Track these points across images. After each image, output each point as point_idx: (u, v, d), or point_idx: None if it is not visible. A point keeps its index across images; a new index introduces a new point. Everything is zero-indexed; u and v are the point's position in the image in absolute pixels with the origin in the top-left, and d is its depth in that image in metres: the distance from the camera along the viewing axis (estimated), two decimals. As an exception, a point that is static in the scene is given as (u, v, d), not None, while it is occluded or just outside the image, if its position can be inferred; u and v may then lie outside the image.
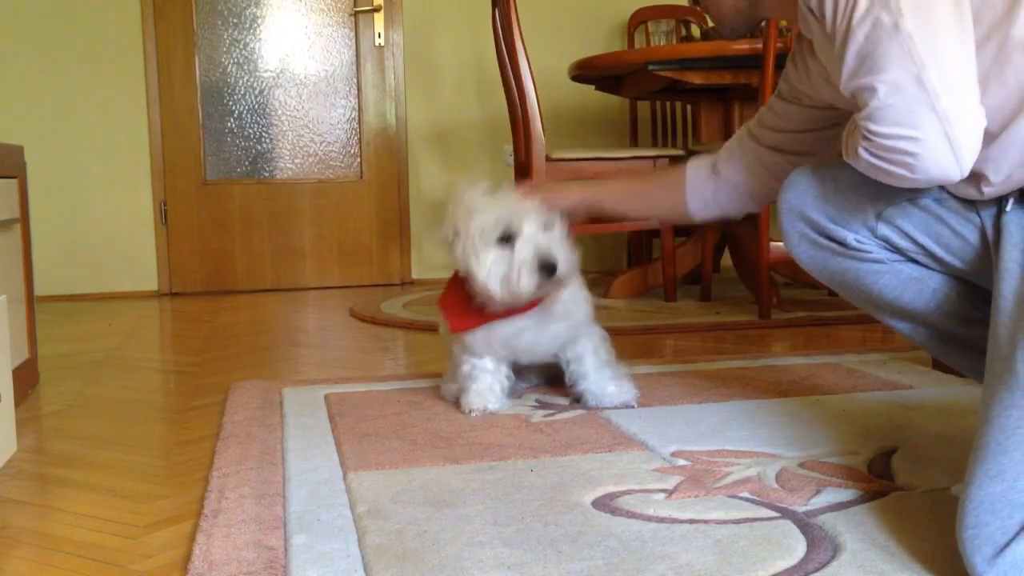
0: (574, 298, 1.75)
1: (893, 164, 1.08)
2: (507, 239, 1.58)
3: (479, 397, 1.78)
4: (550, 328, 1.74)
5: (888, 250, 1.33)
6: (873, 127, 1.08)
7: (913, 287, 1.34)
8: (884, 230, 1.31)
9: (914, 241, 1.30)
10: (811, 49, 1.34)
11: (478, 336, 1.74)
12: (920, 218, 1.28)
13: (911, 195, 1.27)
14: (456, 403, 1.82)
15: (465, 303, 1.70)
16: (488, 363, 1.79)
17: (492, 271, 1.58)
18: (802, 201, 1.36)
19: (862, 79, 1.09)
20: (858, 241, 1.33)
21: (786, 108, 1.49)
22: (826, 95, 1.38)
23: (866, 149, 1.10)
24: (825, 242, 1.36)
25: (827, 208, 1.34)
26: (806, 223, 1.37)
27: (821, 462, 1.44)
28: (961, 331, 1.35)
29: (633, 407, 1.76)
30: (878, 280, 1.35)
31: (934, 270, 1.33)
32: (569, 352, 1.79)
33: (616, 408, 1.76)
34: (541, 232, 1.59)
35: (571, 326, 1.76)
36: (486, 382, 1.78)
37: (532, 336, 1.74)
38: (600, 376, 1.77)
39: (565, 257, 1.60)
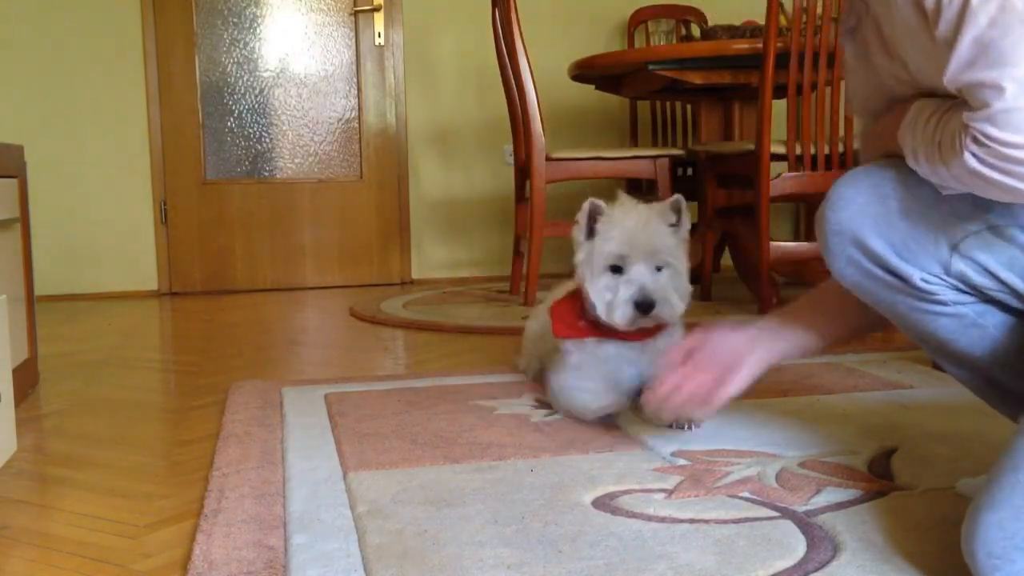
0: (672, 333, 1.76)
1: (1012, 177, 0.92)
2: (617, 270, 1.67)
3: (594, 396, 1.70)
4: (645, 365, 1.73)
5: (957, 291, 1.12)
6: (995, 132, 0.91)
7: (973, 333, 1.15)
8: (960, 265, 1.09)
9: (996, 278, 1.09)
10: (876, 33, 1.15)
11: (582, 347, 1.75)
12: (1005, 251, 1.07)
13: (993, 222, 1.07)
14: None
15: (575, 315, 1.76)
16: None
17: (600, 294, 1.67)
18: (859, 225, 1.12)
19: (981, 73, 0.91)
20: (925, 281, 1.11)
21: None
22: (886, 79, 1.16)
23: (976, 155, 0.93)
24: (882, 275, 1.14)
25: (891, 236, 1.11)
26: (862, 252, 1.13)
27: (821, 462, 1.44)
28: (1013, 383, 1.19)
29: (683, 428, 1.65)
30: (935, 320, 1.15)
31: (1010, 310, 1.14)
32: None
33: (672, 423, 1.66)
34: (649, 272, 1.66)
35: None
36: (603, 384, 1.73)
37: (629, 366, 1.74)
38: None
39: (666, 298, 1.65)
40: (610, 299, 1.66)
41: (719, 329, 1.44)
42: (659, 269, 1.68)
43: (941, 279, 1.11)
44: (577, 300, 1.77)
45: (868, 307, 1.25)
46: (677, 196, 1.74)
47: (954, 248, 1.09)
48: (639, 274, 1.65)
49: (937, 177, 1.03)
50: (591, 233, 1.71)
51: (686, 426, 1.63)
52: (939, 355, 1.23)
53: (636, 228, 1.67)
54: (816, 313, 1.40)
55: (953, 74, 0.94)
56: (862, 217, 1.12)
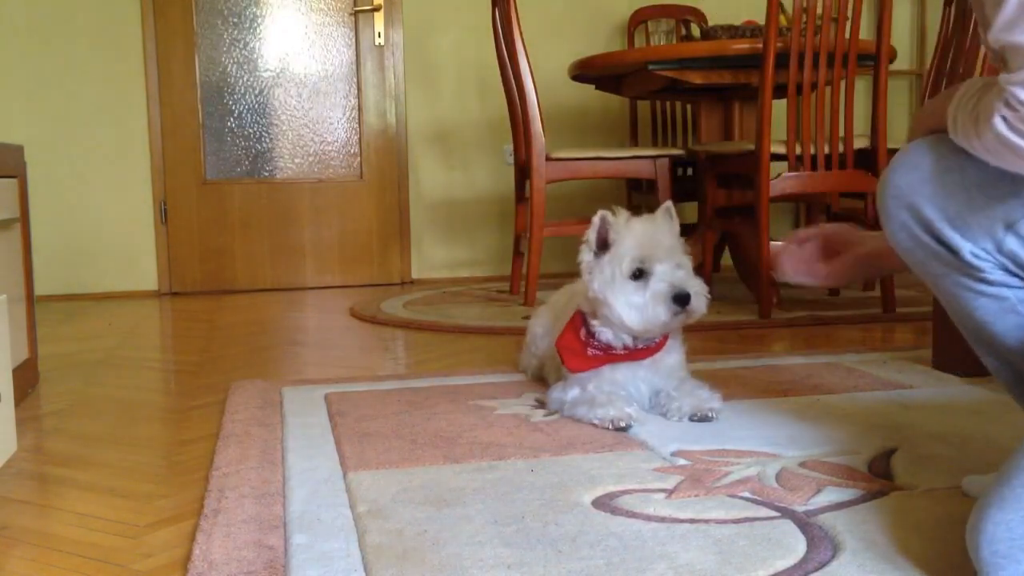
0: (675, 348, 1.81)
1: None
2: (641, 274, 1.67)
3: (619, 409, 1.70)
4: (659, 381, 1.78)
5: (1005, 271, 1.11)
6: None
7: (1010, 320, 1.14)
8: (1012, 244, 1.08)
9: None
10: None
11: (594, 376, 1.75)
12: None
13: None
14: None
15: (582, 345, 1.76)
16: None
17: (629, 301, 1.66)
18: (916, 192, 1.12)
19: (1021, 35, 0.91)
20: (974, 255, 1.10)
21: None
22: None
23: (1006, 120, 0.93)
24: (932, 244, 1.13)
25: (947, 207, 1.10)
26: (915, 219, 1.13)
27: (821, 462, 1.44)
28: None
29: (709, 418, 1.69)
30: (976, 299, 1.15)
31: None
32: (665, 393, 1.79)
33: (694, 415, 1.70)
34: (673, 269, 1.68)
35: (673, 378, 1.80)
36: (620, 396, 1.74)
37: (643, 384, 1.78)
38: (683, 391, 1.76)
39: (697, 290, 1.67)
40: (641, 302, 1.66)
41: (844, 227, 1.50)
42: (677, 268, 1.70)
43: (991, 256, 1.10)
44: (579, 328, 1.77)
45: None
46: (668, 202, 1.77)
47: (1009, 226, 1.07)
48: (667, 271, 1.67)
49: (972, 150, 1.02)
50: (603, 247, 1.71)
51: (710, 415, 1.69)
52: (974, 339, 1.22)
53: (651, 230, 1.70)
54: None
55: (996, 32, 0.93)
56: (921, 184, 1.12)
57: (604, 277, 1.69)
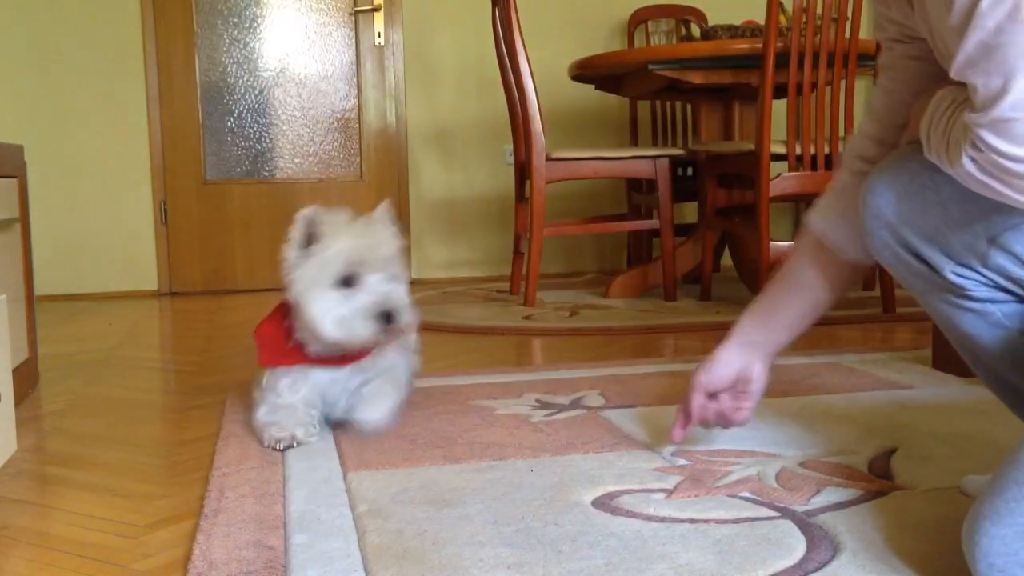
0: (398, 352, 1.69)
1: (1008, 186, 0.91)
2: (348, 282, 1.53)
3: (285, 429, 1.60)
4: (361, 386, 1.66)
5: (990, 287, 1.10)
6: (991, 140, 0.89)
7: (997, 333, 1.13)
8: (998, 259, 1.05)
9: None
10: None
11: (289, 375, 1.63)
12: None
13: None
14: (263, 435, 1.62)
15: (283, 339, 1.63)
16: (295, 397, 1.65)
17: (328, 311, 1.53)
18: (894, 213, 1.11)
19: (983, 76, 0.90)
20: (956, 275, 1.09)
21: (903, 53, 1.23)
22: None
23: (974, 160, 0.92)
24: (914, 263, 1.13)
25: (925, 225, 1.09)
26: (895, 238, 1.13)
27: (821, 462, 1.44)
28: None
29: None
30: (962, 314, 1.14)
31: None
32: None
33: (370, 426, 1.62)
34: (384, 282, 1.55)
35: (388, 383, 1.67)
36: (295, 413, 1.62)
37: (342, 390, 1.65)
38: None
39: (407, 308, 1.55)
40: (344, 314, 1.52)
41: (710, 363, 1.46)
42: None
43: (976, 272, 1.09)
44: (283, 322, 1.64)
45: (811, 317, 1.40)
46: (385, 203, 1.62)
47: (992, 241, 1.05)
48: (378, 284, 1.53)
49: (957, 176, 1.00)
50: (310, 245, 1.56)
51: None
52: (960, 347, 1.23)
53: (367, 236, 1.56)
54: (773, 321, 1.47)
55: (959, 68, 0.93)
56: (897, 204, 1.11)
57: (306, 280, 1.55)
